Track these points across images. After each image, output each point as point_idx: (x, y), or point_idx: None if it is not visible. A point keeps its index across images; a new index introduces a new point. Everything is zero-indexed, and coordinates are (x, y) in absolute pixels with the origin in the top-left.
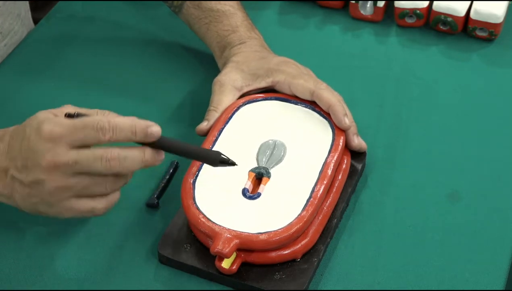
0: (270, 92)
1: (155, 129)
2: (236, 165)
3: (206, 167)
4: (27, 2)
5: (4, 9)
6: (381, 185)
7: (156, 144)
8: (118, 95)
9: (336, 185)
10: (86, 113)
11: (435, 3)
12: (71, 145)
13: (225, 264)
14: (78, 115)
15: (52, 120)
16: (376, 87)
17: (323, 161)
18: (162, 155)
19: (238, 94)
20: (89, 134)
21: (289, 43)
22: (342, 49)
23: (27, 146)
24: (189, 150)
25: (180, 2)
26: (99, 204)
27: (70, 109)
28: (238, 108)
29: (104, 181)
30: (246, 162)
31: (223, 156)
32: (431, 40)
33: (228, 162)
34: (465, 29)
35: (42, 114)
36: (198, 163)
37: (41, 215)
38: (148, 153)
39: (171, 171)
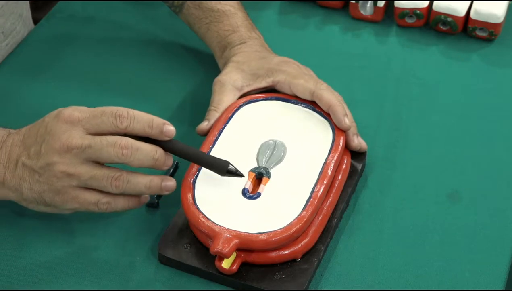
0: (271, 92)
1: (171, 128)
2: (243, 176)
3: None
4: (28, 2)
5: (6, 9)
6: (381, 185)
7: (168, 147)
8: (118, 95)
9: (336, 185)
10: None
11: (435, 3)
12: (88, 130)
13: (225, 264)
14: None
15: (72, 106)
16: (376, 87)
17: (323, 161)
18: (171, 160)
19: (238, 94)
20: (107, 120)
21: (289, 43)
22: (342, 49)
23: (44, 131)
24: (199, 156)
25: (180, 2)
26: (103, 198)
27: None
28: (238, 108)
29: (111, 177)
30: (246, 162)
31: (231, 167)
32: (431, 40)
33: (235, 173)
34: (465, 29)
35: (60, 109)
36: None
37: (46, 209)
38: (160, 152)
39: (171, 171)
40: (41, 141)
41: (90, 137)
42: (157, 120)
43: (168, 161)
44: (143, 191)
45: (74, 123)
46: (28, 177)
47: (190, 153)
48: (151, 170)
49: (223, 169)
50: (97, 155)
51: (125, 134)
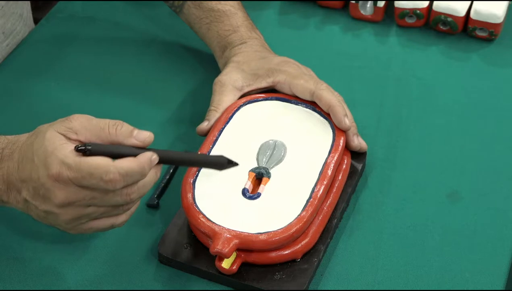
0: (271, 92)
1: (154, 157)
2: (238, 164)
3: None
4: (29, 2)
5: (7, 9)
6: (381, 185)
7: (162, 159)
8: (118, 95)
9: (336, 185)
10: (96, 142)
11: (435, 3)
12: (82, 185)
13: (225, 264)
14: (87, 150)
15: (58, 156)
16: (376, 87)
17: (323, 161)
18: (159, 171)
19: (238, 94)
20: (97, 184)
21: (289, 43)
22: (342, 49)
23: (37, 178)
24: (193, 158)
25: (180, 2)
26: (117, 220)
27: (77, 124)
28: (238, 108)
29: (119, 205)
30: (246, 162)
31: (229, 158)
32: (431, 40)
33: (233, 163)
34: (465, 29)
35: (49, 135)
36: None
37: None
38: (158, 169)
39: (171, 171)
40: (38, 187)
41: (91, 190)
42: (143, 159)
43: (158, 173)
44: (152, 185)
45: (66, 183)
46: (34, 211)
47: (184, 158)
48: None
49: (223, 163)
50: (104, 204)
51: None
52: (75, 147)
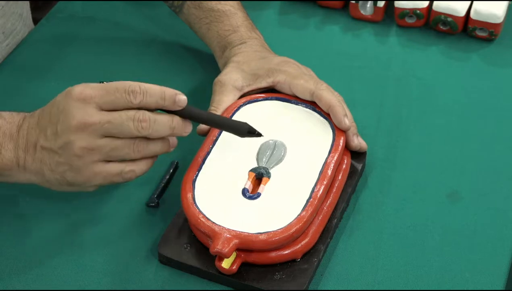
0: (271, 92)
1: (183, 97)
2: (262, 135)
3: (206, 166)
4: (28, 2)
5: (7, 9)
6: (381, 185)
7: (184, 114)
8: None
9: (336, 185)
10: None
11: (435, 3)
12: (101, 107)
13: (225, 264)
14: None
15: (82, 84)
16: (376, 87)
17: (323, 161)
18: (190, 126)
19: (238, 94)
20: (120, 96)
21: (289, 43)
22: (342, 49)
23: (57, 110)
24: (216, 119)
25: (180, 2)
26: (126, 167)
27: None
28: (238, 108)
29: (132, 143)
30: (246, 162)
31: (251, 127)
32: (431, 40)
33: (255, 133)
34: (465, 29)
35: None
36: (198, 163)
37: (70, 189)
38: (176, 119)
39: (171, 171)
40: (56, 121)
41: (108, 113)
42: (169, 92)
43: (187, 127)
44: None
45: (86, 101)
46: (48, 159)
47: (206, 117)
48: (152, 168)
49: (244, 130)
50: (117, 130)
51: (138, 108)
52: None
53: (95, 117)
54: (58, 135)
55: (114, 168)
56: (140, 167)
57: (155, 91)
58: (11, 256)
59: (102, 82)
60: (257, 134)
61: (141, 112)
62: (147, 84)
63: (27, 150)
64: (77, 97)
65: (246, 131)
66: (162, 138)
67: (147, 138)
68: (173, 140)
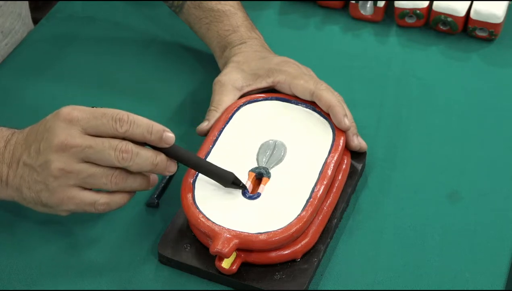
0: (271, 92)
1: (170, 135)
2: (247, 189)
3: None
4: (27, 1)
5: (5, 9)
6: (381, 185)
7: (170, 153)
8: (118, 95)
9: (336, 185)
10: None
11: (435, 3)
12: (86, 131)
13: (225, 264)
14: None
15: (71, 106)
16: (376, 87)
17: (323, 161)
18: (174, 166)
19: (238, 94)
20: (107, 123)
21: (289, 43)
22: (342, 49)
23: (43, 128)
24: (202, 164)
25: (180, 2)
26: (101, 199)
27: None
28: (238, 108)
29: (111, 174)
30: (246, 162)
31: (236, 177)
32: (431, 40)
33: (239, 184)
34: (465, 29)
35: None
36: None
37: (43, 209)
38: (160, 157)
39: None
40: (40, 139)
41: (91, 138)
42: (157, 127)
43: (171, 167)
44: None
45: (73, 122)
46: (27, 176)
47: (193, 160)
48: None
49: (228, 180)
50: (97, 157)
51: (123, 139)
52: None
53: (77, 140)
54: (40, 153)
55: (88, 196)
56: (115, 200)
57: (142, 123)
58: (11, 256)
59: (94, 107)
60: (241, 186)
61: (125, 142)
62: (136, 115)
63: (11, 165)
64: (64, 117)
65: (231, 181)
66: (142, 174)
67: (127, 172)
68: (154, 178)
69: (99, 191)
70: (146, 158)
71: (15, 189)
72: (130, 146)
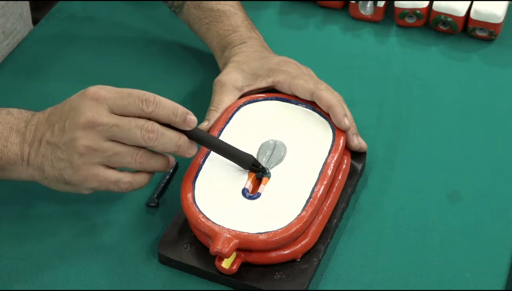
0: (271, 92)
1: (193, 118)
2: (266, 172)
3: (206, 166)
4: (28, 2)
5: (7, 9)
6: (381, 185)
7: (192, 136)
8: None
9: (336, 185)
10: None
11: (435, 3)
12: (112, 110)
13: (225, 264)
14: None
15: (98, 85)
16: (376, 87)
17: (323, 161)
18: (195, 149)
19: (238, 94)
20: (133, 102)
21: (289, 43)
22: (342, 49)
23: (69, 107)
24: (222, 147)
25: (180, 2)
26: (125, 177)
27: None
28: (238, 108)
29: (136, 153)
30: None
31: (256, 160)
32: (431, 40)
33: (259, 167)
34: (465, 29)
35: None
36: (198, 163)
37: (66, 188)
38: (184, 138)
39: (171, 171)
40: (66, 118)
41: (117, 117)
42: (181, 109)
43: (192, 149)
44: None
45: (99, 101)
46: (50, 154)
47: (213, 142)
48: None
49: (248, 162)
50: (123, 135)
51: (148, 119)
52: None
53: (105, 118)
54: (65, 131)
55: (113, 175)
56: (137, 180)
57: (168, 105)
58: (11, 256)
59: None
60: (261, 168)
61: (151, 123)
62: (162, 97)
63: (32, 144)
64: (91, 96)
65: (251, 163)
66: (163, 155)
67: (151, 152)
68: (172, 160)
69: (121, 170)
70: (171, 138)
71: (36, 167)
72: (156, 126)
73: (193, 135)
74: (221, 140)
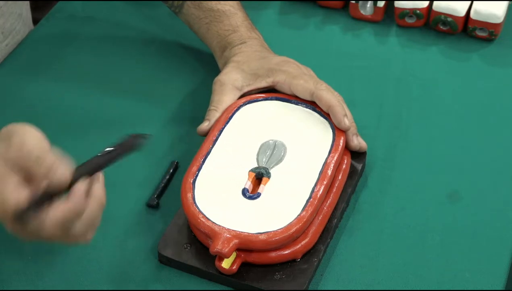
0: (271, 92)
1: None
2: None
3: (206, 166)
4: (28, 2)
5: (6, 9)
6: (381, 185)
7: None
8: (118, 95)
9: (336, 185)
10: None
11: (435, 3)
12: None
13: (225, 264)
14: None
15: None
16: (376, 87)
17: (323, 161)
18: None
19: (238, 94)
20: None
21: (289, 43)
22: (342, 49)
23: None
24: (101, 161)
25: (180, 2)
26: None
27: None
28: (238, 108)
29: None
30: (246, 162)
31: (134, 133)
32: (431, 40)
33: (143, 136)
34: (465, 29)
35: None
36: (198, 163)
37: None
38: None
39: (171, 171)
40: None
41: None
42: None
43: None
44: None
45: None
46: None
47: (98, 163)
48: (152, 168)
49: (131, 144)
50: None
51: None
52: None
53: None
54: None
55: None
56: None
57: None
58: (11, 256)
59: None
60: (143, 135)
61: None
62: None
63: None
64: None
65: (132, 135)
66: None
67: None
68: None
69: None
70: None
71: None
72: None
73: (83, 172)
74: (98, 156)
